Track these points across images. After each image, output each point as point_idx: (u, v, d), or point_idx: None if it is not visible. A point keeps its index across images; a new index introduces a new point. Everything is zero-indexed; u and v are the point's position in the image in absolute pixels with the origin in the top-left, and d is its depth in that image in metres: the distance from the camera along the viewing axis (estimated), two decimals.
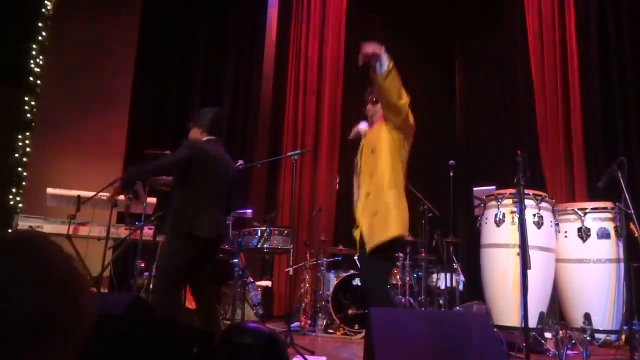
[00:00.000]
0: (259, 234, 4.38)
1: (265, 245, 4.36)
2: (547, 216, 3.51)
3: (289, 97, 7.07)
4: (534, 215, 3.43)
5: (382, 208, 2.63)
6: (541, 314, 3.25)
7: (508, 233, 3.40)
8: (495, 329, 1.95)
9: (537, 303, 3.27)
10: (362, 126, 3.11)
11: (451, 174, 5.27)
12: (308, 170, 6.79)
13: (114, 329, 1.81)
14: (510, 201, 3.46)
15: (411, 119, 2.71)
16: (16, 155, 6.08)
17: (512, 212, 3.43)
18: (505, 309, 3.31)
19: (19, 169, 6.07)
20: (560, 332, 3.30)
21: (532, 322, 3.16)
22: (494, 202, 3.57)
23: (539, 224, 3.42)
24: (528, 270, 2.69)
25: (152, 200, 4.78)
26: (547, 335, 3.55)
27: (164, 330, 1.81)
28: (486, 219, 3.61)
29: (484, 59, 7.42)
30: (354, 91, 6.54)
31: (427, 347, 1.88)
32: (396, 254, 4.29)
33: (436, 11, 7.78)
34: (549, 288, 3.47)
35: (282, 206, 6.58)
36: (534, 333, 3.26)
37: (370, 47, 2.51)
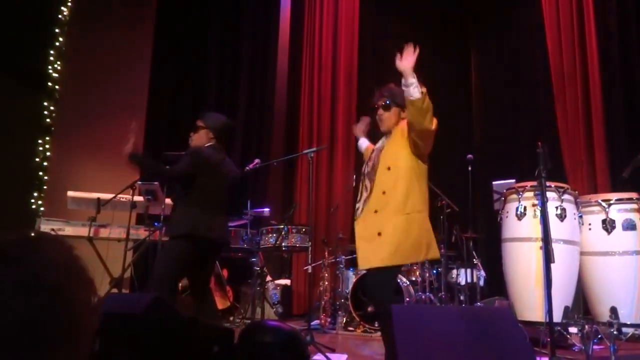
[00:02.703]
0: (277, 232, 4.37)
1: (283, 244, 4.36)
2: (570, 208, 3.43)
3: (304, 95, 7.06)
4: (557, 207, 3.35)
5: (387, 230, 2.47)
6: (566, 309, 3.18)
7: (530, 226, 3.33)
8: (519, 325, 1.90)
9: (562, 297, 3.19)
10: (363, 144, 3.03)
11: (469, 168, 5.21)
12: (324, 168, 6.77)
13: (134, 329, 1.81)
14: (531, 194, 3.38)
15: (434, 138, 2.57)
16: (37, 159, 6.18)
17: (533, 205, 3.35)
18: (529, 304, 3.24)
19: (40, 173, 6.16)
20: (586, 326, 3.23)
21: (557, 317, 3.09)
22: (514, 196, 3.50)
23: (561, 217, 3.34)
24: (552, 264, 2.63)
25: (170, 201, 4.81)
26: (572, 330, 3.48)
27: (184, 329, 1.80)
28: (507, 212, 3.55)
29: (500, 50, 7.31)
30: (370, 86, 6.49)
31: (450, 344, 1.84)
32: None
33: (450, 2, 7.69)
34: (573, 282, 3.39)
35: (299, 204, 6.58)
36: (559, 328, 3.19)
37: (407, 63, 2.38)
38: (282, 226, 4.40)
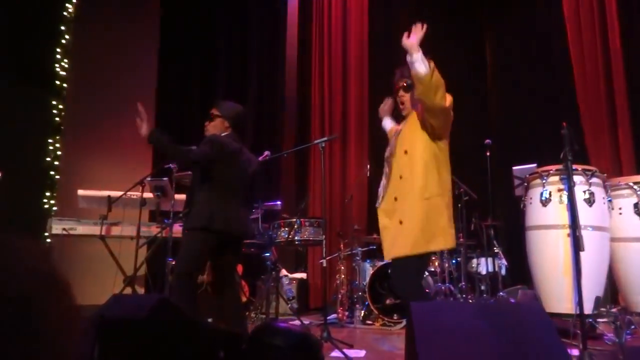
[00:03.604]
0: (289, 226, 4.25)
1: (296, 238, 4.23)
2: (599, 192, 3.22)
3: (314, 84, 6.92)
4: (584, 192, 3.15)
5: (407, 218, 2.36)
6: (597, 299, 3.00)
7: (556, 213, 3.13)
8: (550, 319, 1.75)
9: (592, 287, 3.01)
10: (387, 125, 2.89)
11: (487, 153, 5.03)
12: (338, 159, 6.64)
13: (135, 335, 1.71)
14: (556, 178, 3.19)
15: (451, 117, 2.44)
16: (48, 159, 6.15)
17: (559, 190, 3.15)
18: (557, 295, 3.06)
19: (52, 172, 6.13)
20: (619, 316, 3.05)
21: (588, 308, 2.91)
22: (538, 181, 3.31)
23: (590, 202, 3.14)
24: (581, 253, 2.46)
25: (180, 197, 4.72)
26: (604, 320, 3.30)
27: (188, 334, 1.70)
28: (530, 199, 3.35)
29: (516, 31, 7.05)
30: (381, 73, 6.33)
31: (473, 341, 1.70)
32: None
33: None
34: (604, 270, 3.19)
35: (313, 196, 6.46)
36: (590, 320, 3.02)
37: (412, 39, 2.26)
38: (294, 219, 4.28)
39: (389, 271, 4.82)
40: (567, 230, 3.00)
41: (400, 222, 2.38)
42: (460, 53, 7.05)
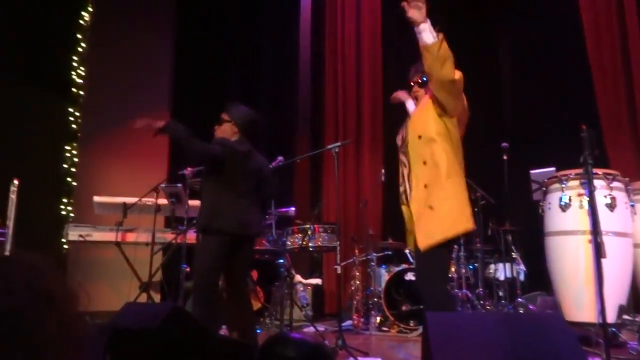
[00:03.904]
0: (303, 232, 4.22)
1: (310, 244, 4.20)
2: (621, 197, 3.13)
3: (327, 89, 6.90)
4: (606, 196, 3.05)
5: (437, 202, 2.29)
6: (620, 307, 2.90)
7: (576, 218, 3.04)
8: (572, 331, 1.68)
9: (615, 295, 2.91)
10: (410, 107, 2.80)
11: (504, 157, 4.94)
12: (352, 163, 6.60)
13: (146, 346, 1.69)
14: (576, 183, 3.10)
15: (464, 99, 2.38)
16: (65, 165, 6.22)
17: (579, 195, 3.07)
18: (578, 303, 2.97)
19: (69, 179, 6.20)
20: None
21: (611, 317, 2.82)
22: (557, 185, 3.22)
23: (611, 206, 3.05)
24: (602, 259, 2.39)
25: (195, 202, 4.72)
26: (628, 328, 3.19)
27: (199, 345, 1.67)
28: (549, 204, 3.27)
29: (531, 31, 6.92)
30: (395, 76, 6.27)
31: (492, 355, 1.65)
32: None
33: None
34: (627, 278, 3.09)
35: (327, 201, 6.42)
36: (613, 329, 2.92)
37: (415, 11, 2.19)
38: (308, 226, 4.24)
39: (405, 277, 4.77)
40: (588, 236, 2.92)
41: (431, 208, 2.31)
42: (473, 54, 6.95)
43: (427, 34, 2.21)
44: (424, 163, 2.35)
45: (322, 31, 7.08)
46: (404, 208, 2.48)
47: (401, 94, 2.78)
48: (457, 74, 2.27)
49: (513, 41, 7.36)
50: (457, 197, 2.32)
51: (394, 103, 2.83)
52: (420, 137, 2.38)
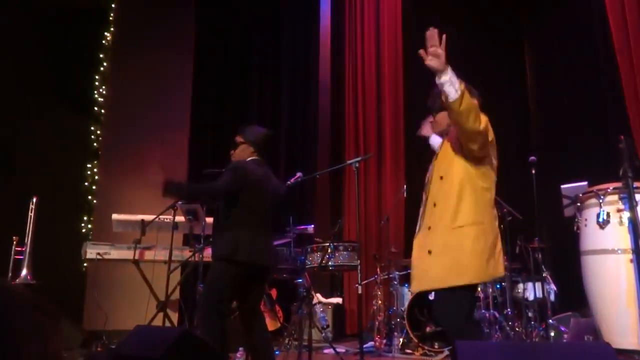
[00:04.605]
0: (322, 250, 4.10)
1: (330, 263, 4.07)
2: None
3: (348, 102, 6.83)
4: None
5: (437, 248, 2.21)
6: None
7: (616, 236, 2.84)
8: None
9: None
10: (434, 142, 2.66)
11: (532, 171, 4.74)
12: (373, 179, 6.46)
13: None
14: (615, 197, 2.90)
15: (491, 135, 2.26)
16: (86, 183, 6.25)
17: (618, 211, 2.87)
18: (620, 328, 2.75)
19: (89, 197, 6.23)
20: None
21: None
22: (594, 200, 3.02)
23: None
24: None
25: (212, 220, 4.66)
26: None
27: None
28: (585, 220, 3.07)
29: (557, 39, 6.72)
30: (416, 89, 6.16)
31: None
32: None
33: None
34: None
35: (348, 219, 6.29)
36: None
37: (434, 59, 2.07)
38: (327, 244, 4.12)
39: (430, 297, 4.58)
40: (630, 255, 2.72)
41: (429, 252, 2.25)
42: (497, 62, 6.79)
43: (449, 87, 2.06)
44: (434, 205, 2.30)
45: (342, 43, 7.03)
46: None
47: (425, 130, 2.71)
48: (483, 121, 2.15)
49: (538, 48, 7.17)
50: (466, 249, 2.18)
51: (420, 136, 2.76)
52: (441, 178, 2.31)
